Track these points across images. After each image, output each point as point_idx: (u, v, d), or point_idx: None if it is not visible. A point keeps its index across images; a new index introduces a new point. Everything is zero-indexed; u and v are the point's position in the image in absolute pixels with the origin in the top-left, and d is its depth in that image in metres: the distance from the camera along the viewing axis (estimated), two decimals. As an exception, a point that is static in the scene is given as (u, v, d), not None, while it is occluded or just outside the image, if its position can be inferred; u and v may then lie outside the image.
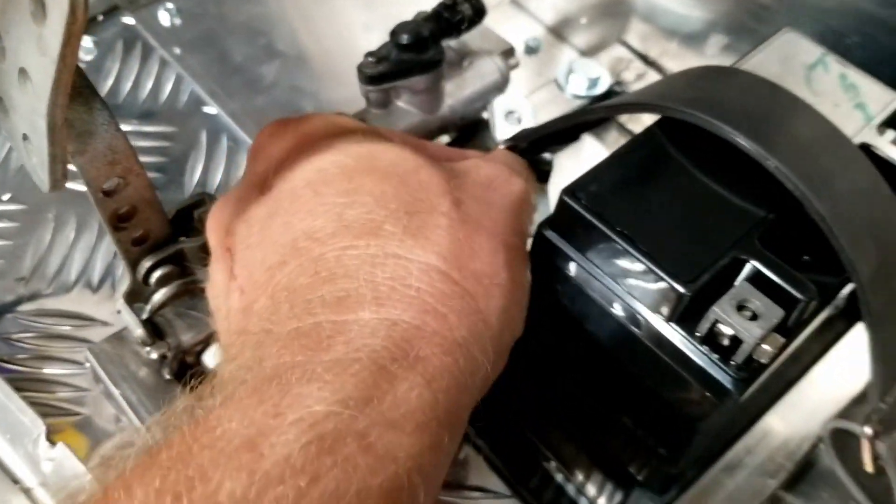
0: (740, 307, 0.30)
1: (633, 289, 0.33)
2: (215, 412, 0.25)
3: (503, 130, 0.54)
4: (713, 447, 0.42)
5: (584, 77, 0.61)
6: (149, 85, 0.60)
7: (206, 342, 0.43)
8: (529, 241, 0.36)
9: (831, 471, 0.43)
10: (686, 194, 0.34)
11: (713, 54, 0.63)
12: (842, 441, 0.43)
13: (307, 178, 0.32)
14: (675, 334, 0.32)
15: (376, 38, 0.47)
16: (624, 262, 0.32)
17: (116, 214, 0.37)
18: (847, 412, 0.44)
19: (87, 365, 0.45)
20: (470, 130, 0.54)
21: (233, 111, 0.58)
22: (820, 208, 0.29)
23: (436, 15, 0.47)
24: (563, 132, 0.39)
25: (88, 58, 0.61)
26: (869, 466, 0.34)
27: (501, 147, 0.40)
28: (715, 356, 0.31)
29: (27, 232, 0.52)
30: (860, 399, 0.44)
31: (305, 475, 0.23)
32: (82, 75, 0.32)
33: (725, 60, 0.40)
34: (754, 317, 0.30)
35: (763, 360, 0.30)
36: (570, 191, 0.34)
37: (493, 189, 0.34)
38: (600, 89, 0.61)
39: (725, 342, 0.31)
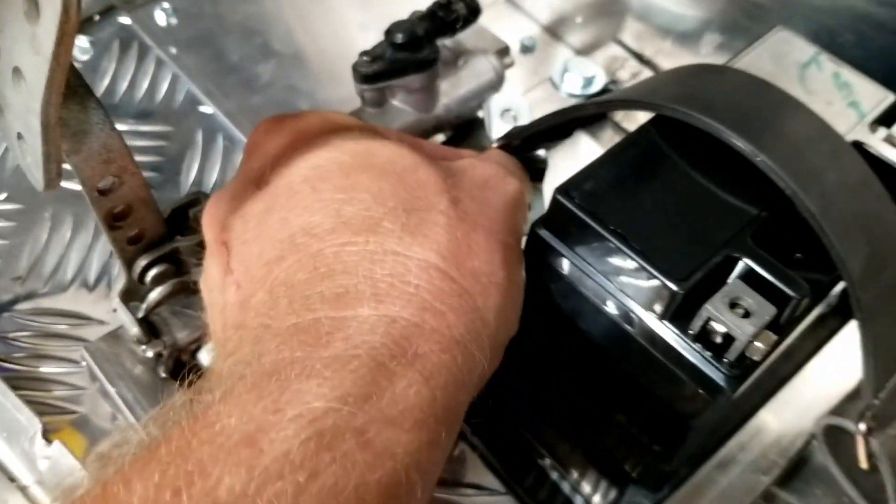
0: (733, 305, 0.30)
1: (627, 287, 0.33)
2: (214, 407, 0.25)
3: (499, 129, 0.54)
4: (707, 444, 0.43)
5: (580, 76, 0.61)
6: (145, 84, 0.60)
7: (202, 340, 0.43)
8: (524, 241, 0.36)
9: (825, 467, 0.43)
10: (679, 192, 0.34)
11: (707, 53, 0.63)
12: (835, 438, 0.43)
13: (304, 174, 0.32)
14: (668, 332, 0.32)
15: (372, 37, 0.47)
16: (617, 261, 0.33)
17: (112, 213, 0.37)
18: (840, 409, 0.44)
19: (84, 363, 0.46)
20: (465, 129, 0.54)
21: (229, 110, 0.58)
22: (809, 204, 0.29)
23: (431, 14, 0.48)
24: (555, 129, 0.39)
25: (85, 57, 0.61)
26: (863, 463, 0.34)
27: (495, 146, 0.40)
28: (708, 354, 0.31)
29: (23, 231, 0.52)
30: (853, 396, 0.45)
31: (304, 471, 0.23)
32: (77, 74, 0.32)
33: (720, 59, 0.40)
34: (747, 314, 0.30)
35: (756, 358, 0.30)
36: (563, 189, 0.34)
37: (489, 188, 0.35)
38: (595, 88, 0.61)
39: (718, 340, 0.31)
